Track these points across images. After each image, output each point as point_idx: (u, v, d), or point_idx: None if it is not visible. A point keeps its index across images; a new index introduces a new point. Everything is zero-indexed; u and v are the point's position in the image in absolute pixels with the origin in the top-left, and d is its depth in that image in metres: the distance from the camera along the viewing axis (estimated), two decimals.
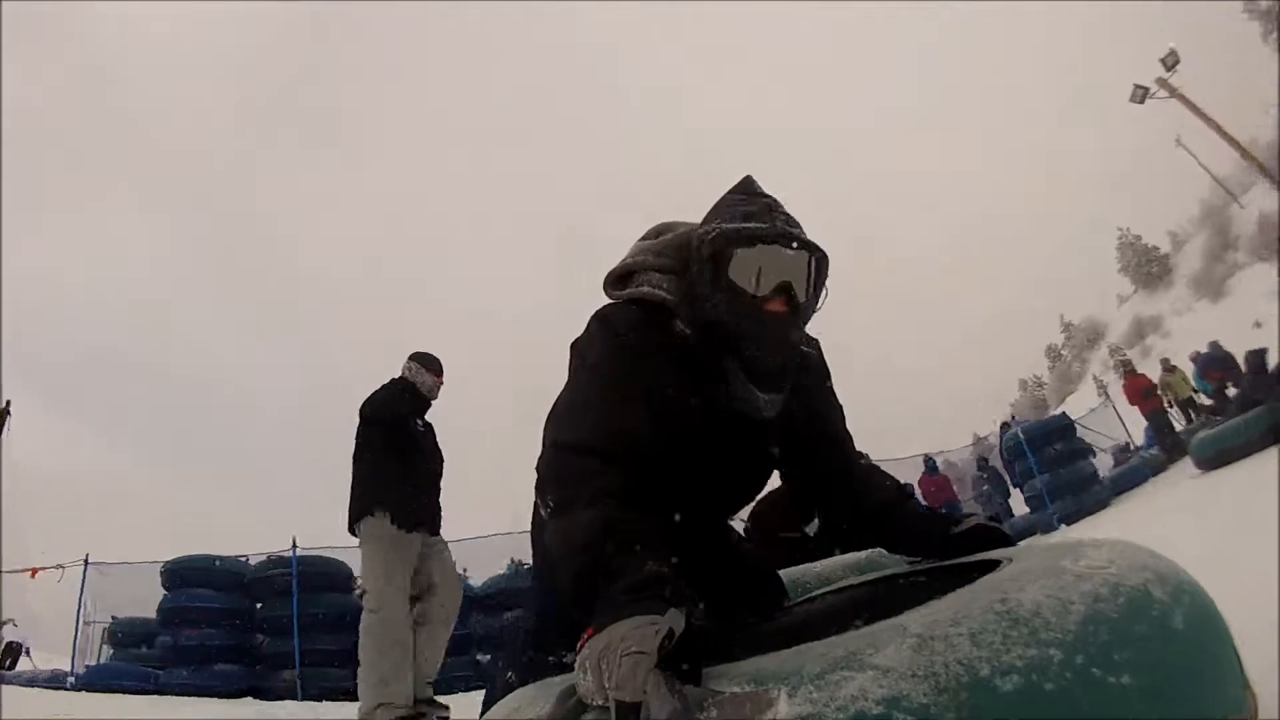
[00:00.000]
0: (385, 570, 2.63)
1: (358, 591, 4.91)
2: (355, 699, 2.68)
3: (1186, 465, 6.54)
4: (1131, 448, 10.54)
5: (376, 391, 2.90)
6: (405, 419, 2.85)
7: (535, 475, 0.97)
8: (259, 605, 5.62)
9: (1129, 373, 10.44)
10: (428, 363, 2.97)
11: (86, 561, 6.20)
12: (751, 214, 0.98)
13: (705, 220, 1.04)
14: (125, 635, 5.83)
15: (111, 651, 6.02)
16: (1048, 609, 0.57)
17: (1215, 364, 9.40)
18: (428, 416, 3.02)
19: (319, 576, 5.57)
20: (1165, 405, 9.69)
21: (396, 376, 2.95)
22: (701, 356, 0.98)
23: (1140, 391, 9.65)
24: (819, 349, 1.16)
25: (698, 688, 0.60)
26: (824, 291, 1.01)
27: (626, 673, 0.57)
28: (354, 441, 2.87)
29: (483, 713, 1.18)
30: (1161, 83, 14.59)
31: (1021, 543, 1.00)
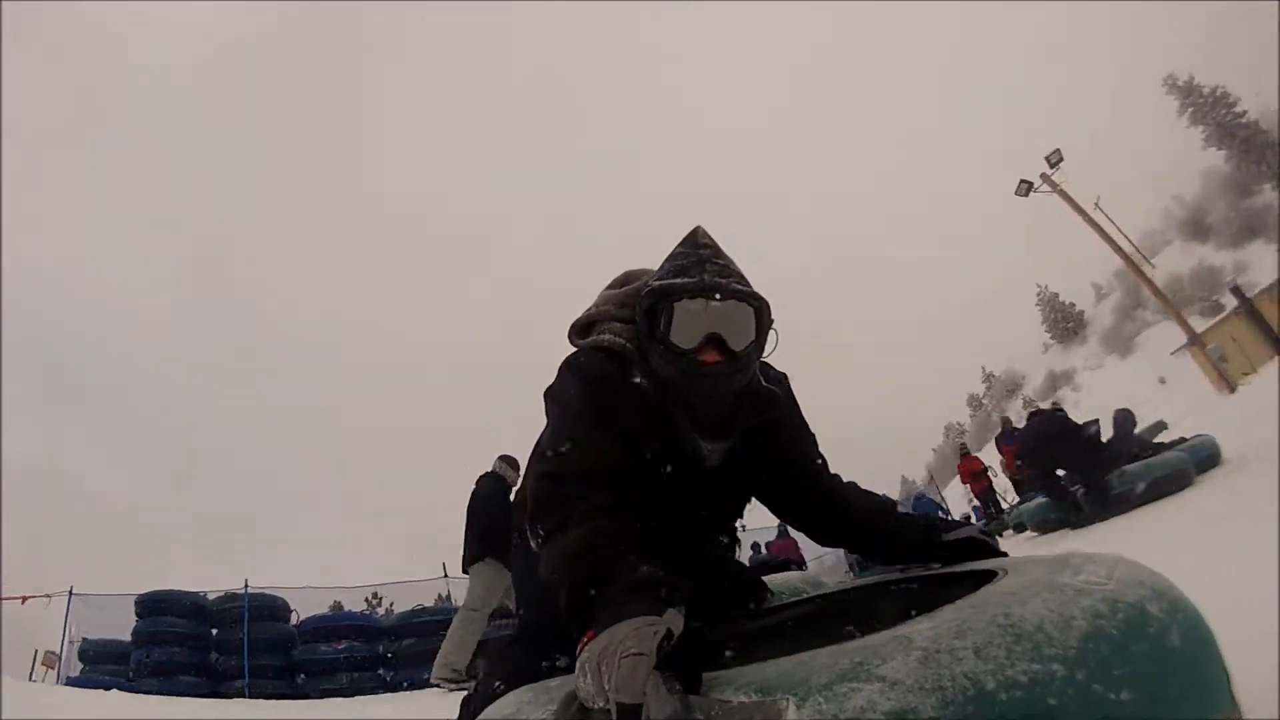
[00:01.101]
0: (488, 593, 4.21)
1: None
2: (294, 699, 4.36)
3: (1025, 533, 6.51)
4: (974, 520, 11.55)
5: (482, 486, 4.41)
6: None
7: (523, 538, 1.01)
8: (215, 630, 6.78)
9: (964, 455, 11.20)
10: (514, 464, 4.46)
11: (70, 592, 7.68)
12: (683, 269, 1.01)
13: (655, 273, 1.07)
14: (96, 654, 6.76)
15: (83, 667, 7.51)
16: (1050, 624, 0.58)
17: (1005, 439, 9.88)
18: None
19: (264, 609, 6.83)
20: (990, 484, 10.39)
21: (490, 471, 4.47)
22: (655, 404, 1.01)
23: (971, 472, 10.56)
24: (786, 384, 1.16)
25: (705, 697, 0.59)
26: (772, 336, 1.03)
27: (626, 674, 0.56)
28: (472, 503, 4.35)
29: (461, 715, 1.19)
30: (1045, 178, 16.08)
31: (1011, 556, 0.99)
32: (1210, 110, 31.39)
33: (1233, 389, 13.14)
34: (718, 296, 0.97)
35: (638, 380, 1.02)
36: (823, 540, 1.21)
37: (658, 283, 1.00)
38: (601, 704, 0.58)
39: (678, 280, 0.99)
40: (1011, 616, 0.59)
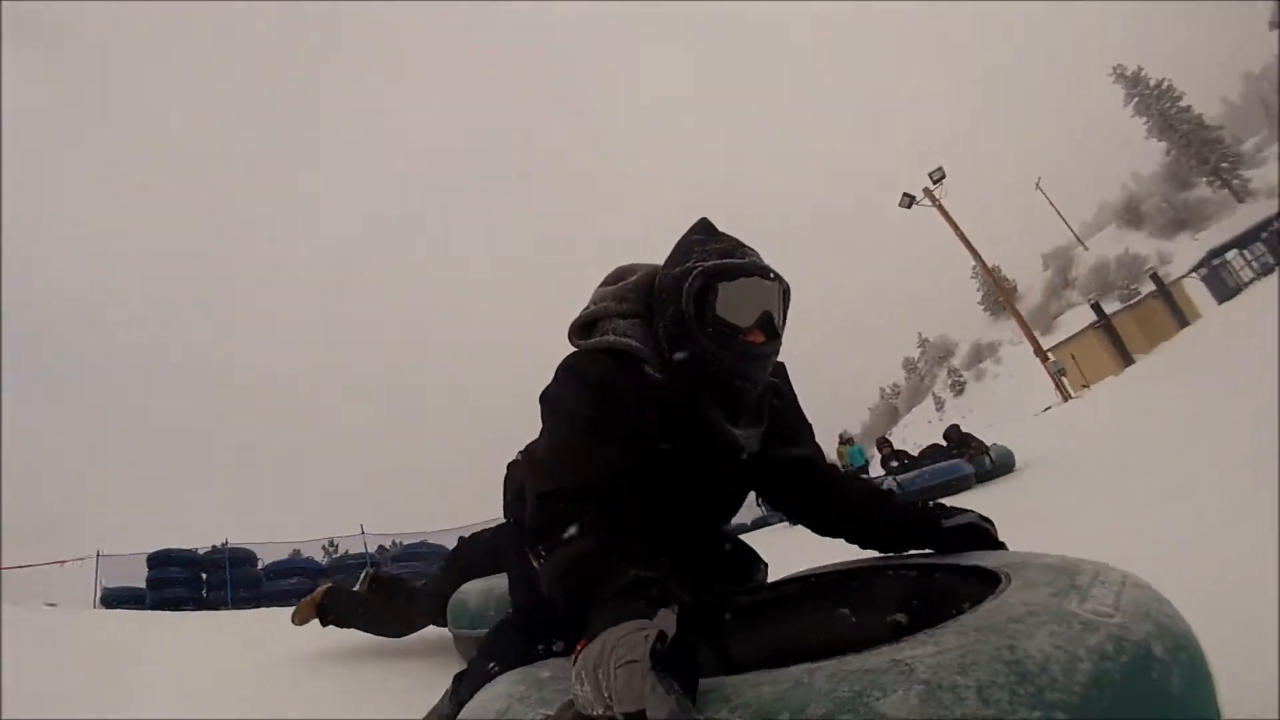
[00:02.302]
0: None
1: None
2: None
3: None
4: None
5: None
6: None
7: (517, 522, 1.03)
8: (204, 575, 9.68)
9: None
10: None
11: (99, 555, 10.32)
12: (725, 251, 0.99)
13: (671, 262, 1.04)
14: (115, 599, 9.06)
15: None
16: (1056, 664, 0.56)
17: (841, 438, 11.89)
18: None
19: (240, 558, 10.00)
20: None
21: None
22: (676, 400, 0.98)
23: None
24: (784, 372, 1.16)
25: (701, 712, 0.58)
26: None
27: (623, 684, 0.56)
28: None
29: (453, 691, 1.23)
30: (926, 192, 17.64)
31: (1014, 551, 0.97)
32: (1155, 102, 32.33)
33: (1066, 399, 14.56)
34: (771, 276, 0.98)
35: (654, 374, 0.99)
36: (820, 530, 1.18)
37: (711, 263, 0.97)
38: (600, 711, 0.57)
39: (730, 261, 0.97)
40: (1017, 651, 0.57)
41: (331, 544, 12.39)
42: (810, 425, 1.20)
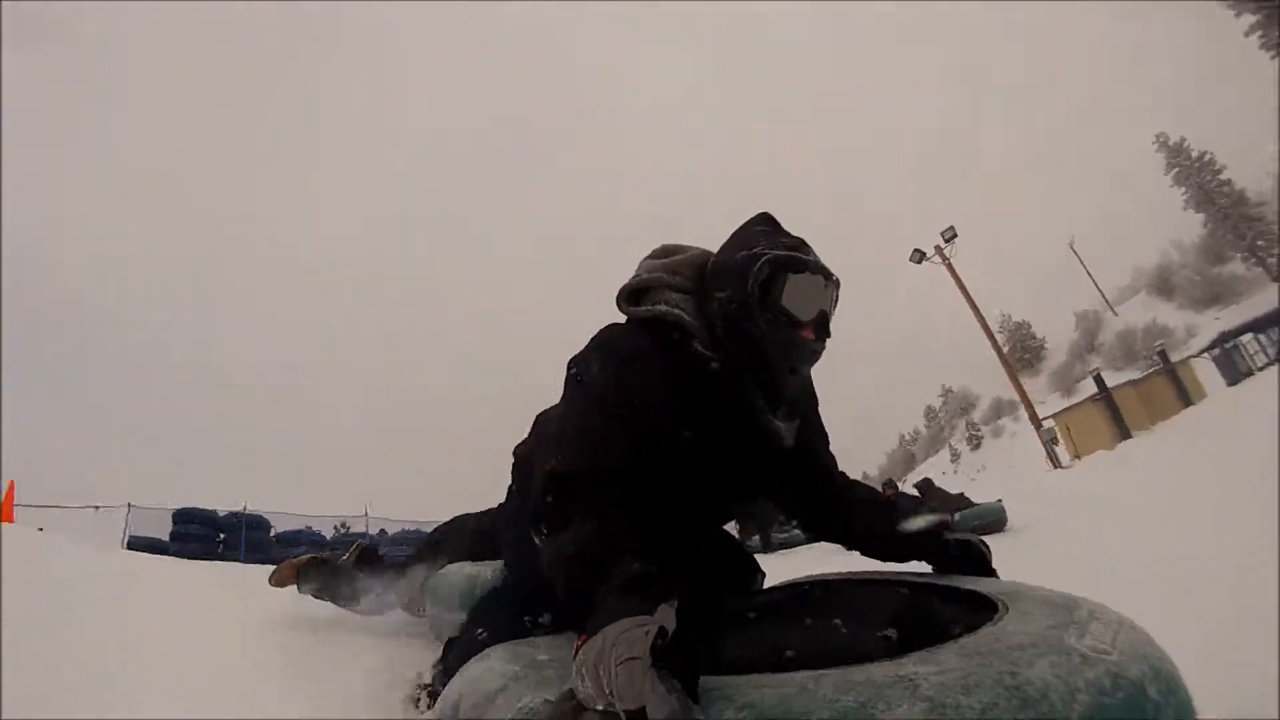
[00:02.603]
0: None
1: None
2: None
3: None
4: None
5: None
6: None
7: (521, 493, 0.99)
8: (222, 534, 10.72)
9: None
10: None
11: (129, 506, 11.18)
12: (794, 245, 0.99)
13: (731, 247, 1.02)
14: (139, 544, 9.57)
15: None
16: (1055, 694, 0.57)
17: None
18: None
19: (254, 523, 11.12)
20: None
21: None
22: (723, 381, 0.96)
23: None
24: (810, 381, 1.15)
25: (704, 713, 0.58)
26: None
27: (624, 681, 0.56)
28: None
29: (444, 656, 1.25)
30: (937, 250, 17.68)
31: (1008, 580, 0.97)
32: (1195, 174, 31.97)
33: (1056, 466, 14.38)
34: (833, 277, 0.98)
35: (703, 352, 0.97)
36: (822, 536, 1.18)
37: (783, 254, 0.97)
38: (601, 706, 0.58)
39: (798, 255, 0.97)
40: (1018, 678, 0.58)
41: (343, 524, 13.37)
42: (827, 435, 1.21)
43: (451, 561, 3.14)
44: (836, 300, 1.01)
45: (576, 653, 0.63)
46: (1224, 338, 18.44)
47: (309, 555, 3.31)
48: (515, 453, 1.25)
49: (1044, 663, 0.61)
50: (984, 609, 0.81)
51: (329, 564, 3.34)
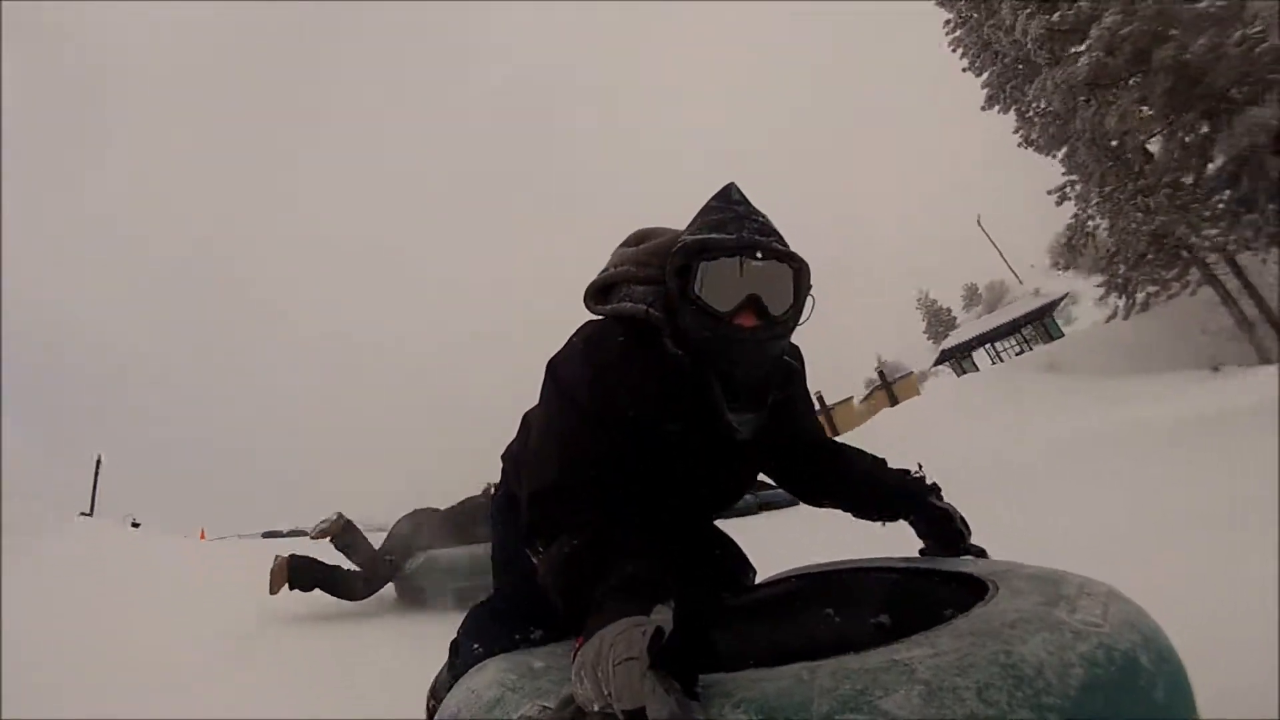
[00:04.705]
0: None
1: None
2: None
3: None
4: None
5: None
6: None
7: (509, 508, 0.97)
8: None
9: None
10: None
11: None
12: (718, 224, 0.91)
13: (686, 229, 0.97)
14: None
15: None
16: (1050, 669, 0.58)
17: None
18: None
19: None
20: None
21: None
22: (689, 374, 0.93)
23: None
24: (799, 356, 1.10)
25: (703, 709, 0.58)
26: (809, 302, 0.93)
27: (622, 682, 0.55)
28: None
29: (450, 662, 1.22)
30: None
31: (994, 559, 0.99)
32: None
33: None
34: (758, 256, 0.87)
35: (667, 349, 0.93)
36: (816, 502, 1.18)
37: (691, 238, 0.90)
38: (600, 707, 0.57)
39: (714, 236, 0.89)
40: (1012, 656, 0.59)
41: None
42: (811, 403, 1.18)
43: (409, 551, 3.71)
44: (790, 280, 0.91)
45: (574, 655, 0.62)
46: (944, 355, 23.07)
47: (288, 555, 3.59)
48: (503, 458, 1.24)
49: (1037, 639, 0.62)
50: (975, 589, 0.82)
51: (306, 559, 3.61)
